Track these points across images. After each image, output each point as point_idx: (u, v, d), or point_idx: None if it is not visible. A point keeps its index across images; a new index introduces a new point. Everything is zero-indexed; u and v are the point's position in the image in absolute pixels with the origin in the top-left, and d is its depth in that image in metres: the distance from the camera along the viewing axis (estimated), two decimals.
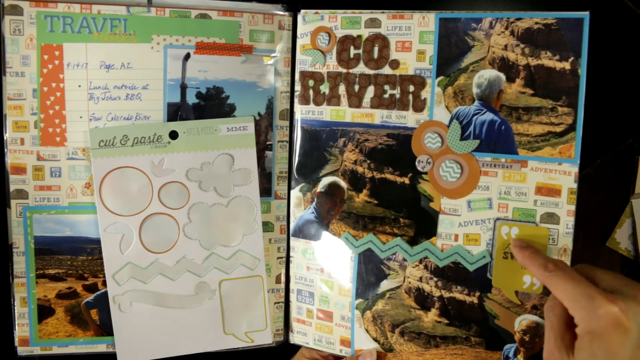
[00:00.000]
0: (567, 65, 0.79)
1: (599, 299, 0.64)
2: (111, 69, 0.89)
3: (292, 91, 0.94)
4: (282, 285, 0.97)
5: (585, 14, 0.78)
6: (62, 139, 0.89)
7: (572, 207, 0.80)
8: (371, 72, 0.89)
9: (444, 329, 0.87)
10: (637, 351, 0.62)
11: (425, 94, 0.86)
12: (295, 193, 0.95)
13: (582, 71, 0.78)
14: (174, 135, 0.89)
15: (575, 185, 0.80)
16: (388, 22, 0.87)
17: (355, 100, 0.89)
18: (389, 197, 0.89)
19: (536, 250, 0.77)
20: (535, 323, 0.82)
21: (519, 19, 0.81)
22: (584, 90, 0.79)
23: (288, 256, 0.97)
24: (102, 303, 0.91)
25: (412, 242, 0.88)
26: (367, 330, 0.91)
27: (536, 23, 0.80)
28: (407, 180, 0.87)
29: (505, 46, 0.82)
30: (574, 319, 0.66)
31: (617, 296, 0.64)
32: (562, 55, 0.79)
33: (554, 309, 0.70)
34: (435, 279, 0.87)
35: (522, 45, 0.81)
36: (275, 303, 0.96)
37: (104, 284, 0.91)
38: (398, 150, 0.88)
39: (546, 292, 0.81)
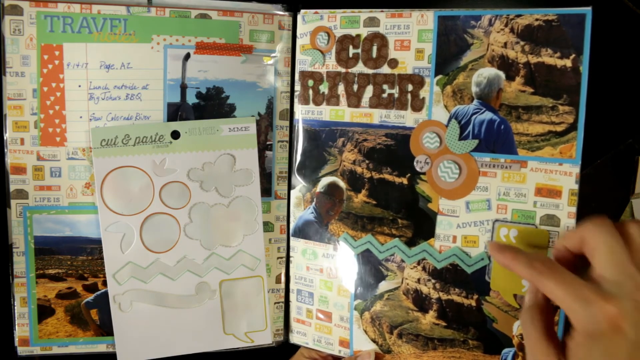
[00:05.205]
0: (568, 63, 0.73)
1: (594, 299, 0.57)
2: (111, 69, 0.84)
3: (292, 91, 0.90)
4: (282, 285, 0.92)
5: (587, 10, 0.72)
6: (62, 139, 0.85)
7: (573, 209, 0.75)
8: (370, 71, 0.83)
9: (441, 331, 0.82)
10: (635, 352, 0.56)
11: (423, 93, 0.81)
12: (295, 193, 0.90)
13: (584, 68, 0.73)
14: (175, 135, 0.85)
15: (576, 186, 0.74)
16: (387, 20, 0.82)
17: (354, 100, 0.84)
18: (387, 198, 0.84)
19: (517, 250, 0.69)
20: None
21: (518, 16, 0.76)
22: (585, 88, 0.73)
23: (288, 256, 0.92)
24: (102, 303, 0.87)
25: (410, 243, 0.82)
26: (365, 331, 0.86)
27: (536, 20, 0.75)
28: (405, 181, 0.82)
29: (505, 44, 0.77)
30: (570, 320, 0.60)
31: (613, 294, 0.57)
32: (563, 52, 0.74)
33: (540, 314, 0.64)
34: (433, 280, 0.81)
35: (522, 43, 0.76)
36: (275, 303, 0.92)
37: (104, 284, 0.86)
38: (396, 150, 0.83)
39: None
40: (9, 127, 0.83)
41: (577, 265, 0.63)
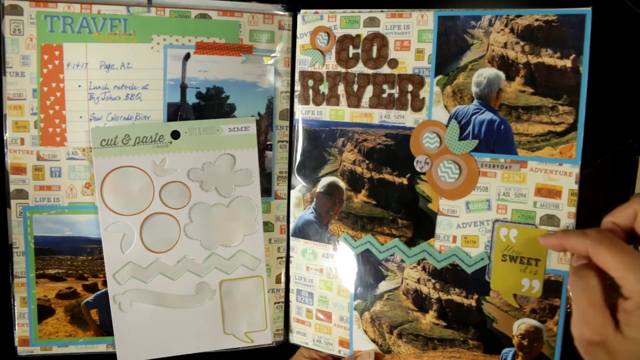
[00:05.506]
0: (568, 63, 0.73)
1: None
2: (111, 69, 0.84)
3: (292, 91, 0.89)
4: (282, 285, 0.92)
5: (587, 10, 0.72)
6: (62, 139, 0.85)
7: (573, 209, 0.74)
8: (370, 71, 0.83)
9: (441, 331, 0.81)
10: None
11: (423, 93, 0.81)
12: (295, 193, 0.90)
13: (584, 69, 0.73)
14: (175, 135, 0.85)
15: (576, 187, 0.74)
16: (387, 21, 0.82)
17: (354, 100, 0.84)
18: (387, 198, 0.84)
19: (565, 229, 0.68)
20: (534, 327, 0.77)
21: (518, 16, 0.75)
22: (585, 88, 0.73)
23: (288, 256, 0.92)
24: (102, 303, 0.87)
25: (410, 243, 0.82)
26: (365, 332, 0.86)
27: (536, 20, 0.74)
28: (405, 181, 0.82)
29: (505, 44, 0.76)
30: (623, 291, 0.58)
31: None
32: (563, 52, 0.73)
33: (591, 280, 0.61)
34: (433, 280, 0.81)
35: (522, 43, 0.75)
36: (275, 303, 0.91)
37: (104, 284, 0.86)
38: (396, 150, 0.83)
39: (546, 296, 0.75)
40: (9, 127, 0.83)
41: (627, 242, 0.61)
